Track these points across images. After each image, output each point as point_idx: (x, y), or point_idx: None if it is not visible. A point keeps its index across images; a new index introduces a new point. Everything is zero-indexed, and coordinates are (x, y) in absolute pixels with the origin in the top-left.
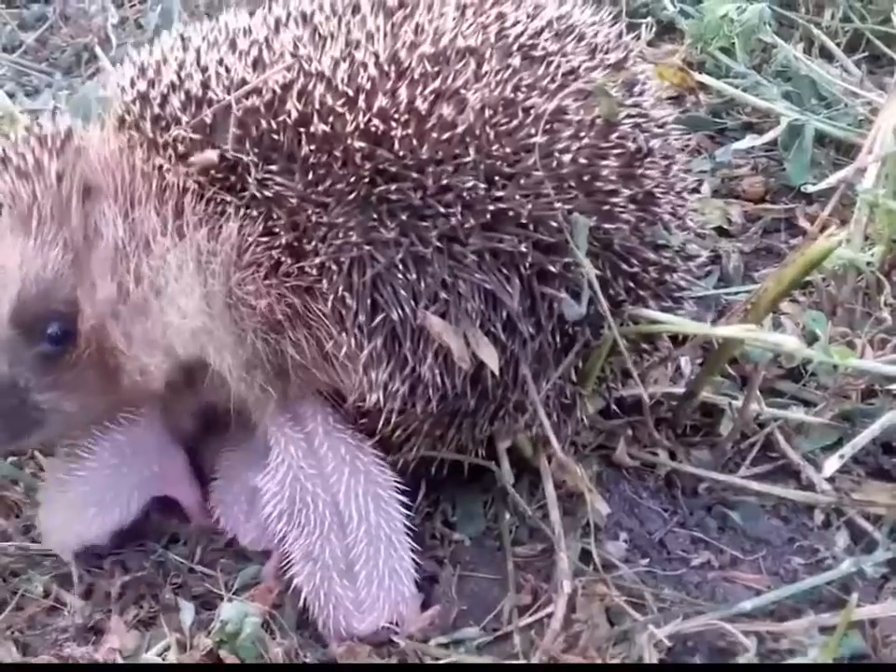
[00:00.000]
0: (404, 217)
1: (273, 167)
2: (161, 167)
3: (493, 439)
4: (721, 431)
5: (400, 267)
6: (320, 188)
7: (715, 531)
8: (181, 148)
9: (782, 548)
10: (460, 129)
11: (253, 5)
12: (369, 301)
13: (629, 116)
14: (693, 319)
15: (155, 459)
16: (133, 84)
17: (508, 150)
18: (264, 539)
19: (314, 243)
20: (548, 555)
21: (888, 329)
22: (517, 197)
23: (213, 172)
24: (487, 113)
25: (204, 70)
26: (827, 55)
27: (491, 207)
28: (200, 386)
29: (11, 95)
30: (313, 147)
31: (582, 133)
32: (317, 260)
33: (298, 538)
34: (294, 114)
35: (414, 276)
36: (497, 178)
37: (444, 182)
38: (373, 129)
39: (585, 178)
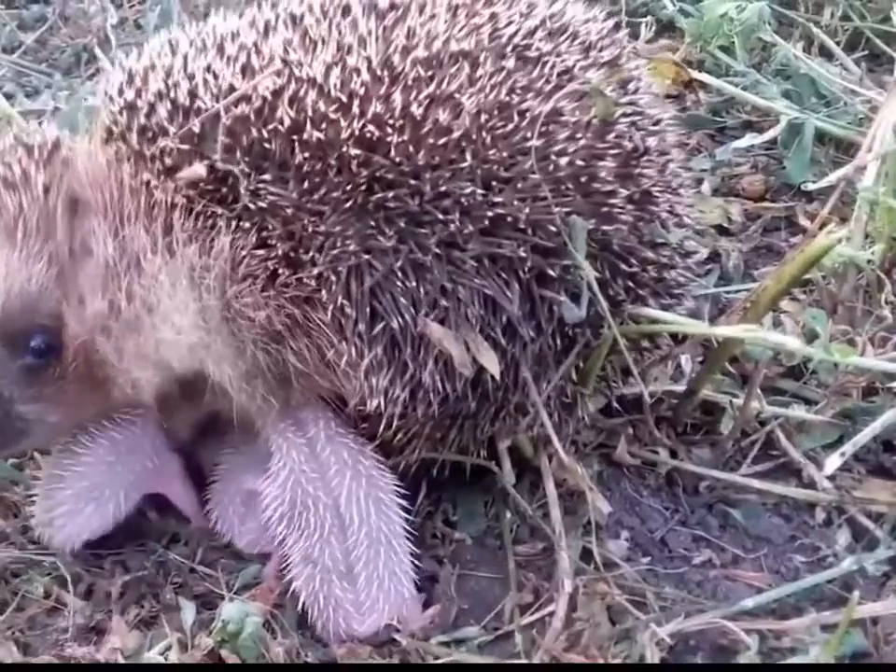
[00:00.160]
0: (402, 224)
1: (266, 177)
2: (148, 183)
3: (494, 438)
4: (722, 429)
5: (399, 274)
6: (315, 196)
7: (716, 529)
8: (168, 161)
9: (783, 546)
10: (456, 134)
11: (249, 5)
12: (368, 310)
13: (625, 115)
14: (692, 315)
15: (149, 457)
16: (121, 93)
17: (504, 154)
18: (260, 541)
19: (311, 252)
20: (549, 554)
21: (888, 327)
22: (515, 201)
23: (202, 184)
24: (483, 117)
25: (192, 77)
26: (827, 54)
27: (489, 212)
28: (200, 397)
29: (11, 96)
30: (306, 155)
31: (579, 135)
32: (315, 270)
33: (298, 541)
34: (286, 121)
35: (413, 283)
36: (494, 183)
37: (441, 188)
38: (368, 135)
39: (582, 180)
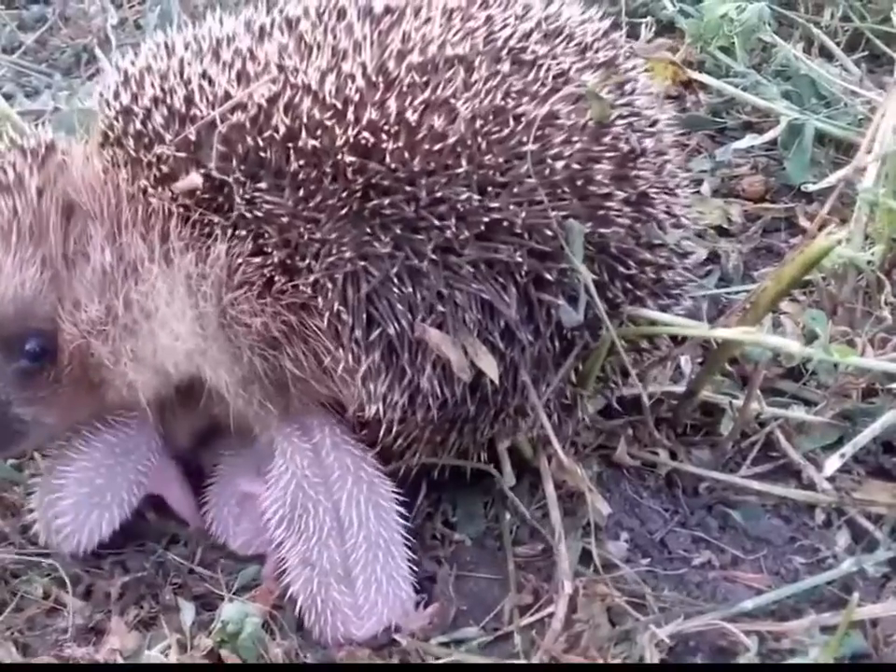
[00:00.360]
0: (398, 231)
1: (262, 185)
2: (145, 190)
3: (494, 440)
4: (722, 430)
5: (396, 281)
6: (311, 203)
7: (716, 531)
8: (165, 168)
9: (783, 547)
10: (451, 139)
11: (247, 6)
12: (365, 316)
13: (621, 116)
14: (691, 316)
15: (146, 458)
16: (116, 96)
17: (500, 159)
18: (254, 543)
19: (307, 260)
20: (549, 555)
21: (888, 328)
22: (511, 206)
23: (198, 193)
24: (478, 122)
25: (188, 83)
26: (827, 54)
27: (485, 217)
28: (197, 402)
29: (10, 96)
30: (302, 163)
31: (575, 138)
32: (311, 277)
33: (296, 544)
34: (281, 129)
35: (410, 289)
36: (490, 188)
37: (437, 194)
38: (363, 142)
39: (579, 183)
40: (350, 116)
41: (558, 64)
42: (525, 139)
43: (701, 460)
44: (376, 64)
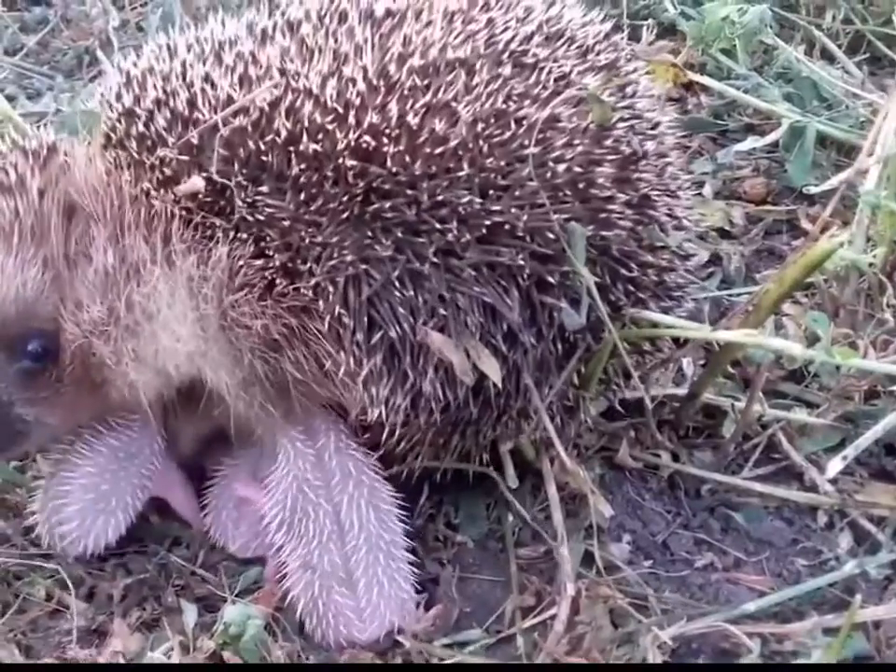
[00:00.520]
0: (399, 234)
1: (263, 188)
2: (148, 192)
3: (496, 441)
4: (724, 433)
5: (397, 284)
6: (312, 207)
7: (718, 533)
8: (167, 171)
9: (785, 549)
10: (453, 143)
11: (249, 8)
12: (366, 319)
13: (623, 119)
14: (693, 318)
15: (150, 461)
16: (119, 98)
17: (502, 162)
18: (252, 545)
19: (308, 263)
20: (551, 557)
21: (890, 331)
22: (512, 209)
23: (200, 196)
24: (479, 126)
25: (190, 86)
26: (828, 57)
27: (487, 220)
28: (198, 404)
29: (13, 98)
30: (303, 167)
31: (576, 141)
32: (313, 281)
33: (296, 548)
34: (283, 133)
35: (412, 293)
36: (491, 191)
37: (439, 197)
38: (364, 146)
39: (580, 186)
40: (351, 119)
41: (559, 67)
42: (526, 142)
43: (703, 462)
44: (377, 68)
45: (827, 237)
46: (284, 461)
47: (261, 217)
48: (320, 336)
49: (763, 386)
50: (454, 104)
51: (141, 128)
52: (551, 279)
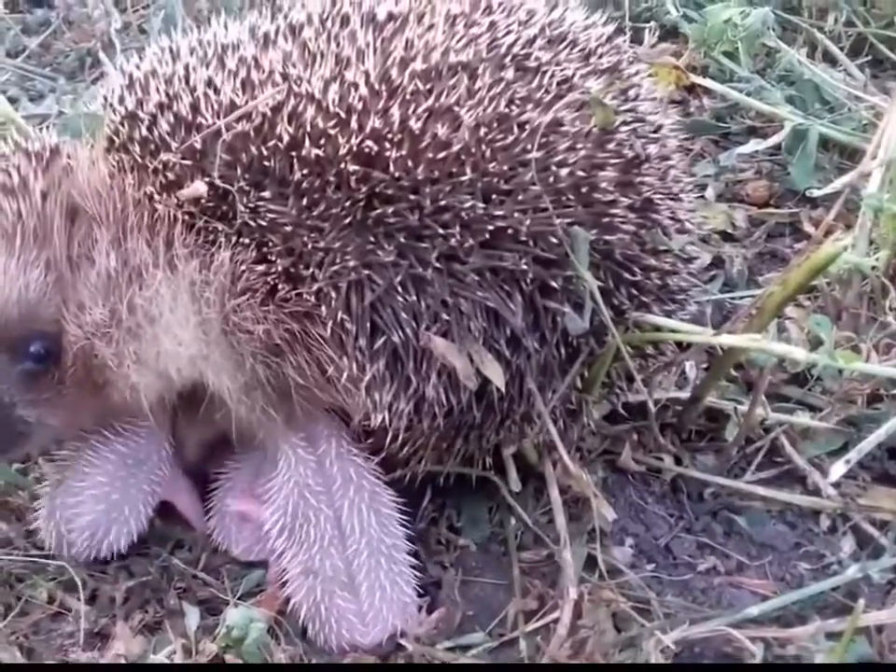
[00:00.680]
0: (402, 239)
1: (265, 193)
2: (151, 196)
3: (499, 445)
4: (727, 436)
5: (400, 289)
6: (314, 212)
7: (721, 536)
8: (170, 175)
9: (788, 553)
10: (455, 147)
11: (251, 11)
12: (369, 325)
13: (625, 122)
14: (696, 321)
15: (158, 466)
16: (121, 101)
17: (504, 167)
18: (255, 549)
19: (310, 268)
20: (554, 561)
21: (893, 334)
22: (515, 213)
23: (203, 201)
24: (482, 130)
25: (193, 90)
26: (830, 59)
27: (489, 225)
28: (199, 408)
29: (15, 100)
30: (305, 172)
31: (579, 145)
32: (315, 286)
33: (298, 553)
34: (285, 138)
35: (414, 298)
36: (494, 196)
37: (441, 202)
38: (367, 150)
39: (583, 190)
40: (354, 124)
41: (562, 71)
42: (529, 146)
43: (706, 466)
44: (379, 72)
45: (832, 241)
46: (285, 467)
47: (264, 223)
48: (322, 341)
49: (766, 390)
50: (456, 108)
51: (144, 132)
52: (554, 283)
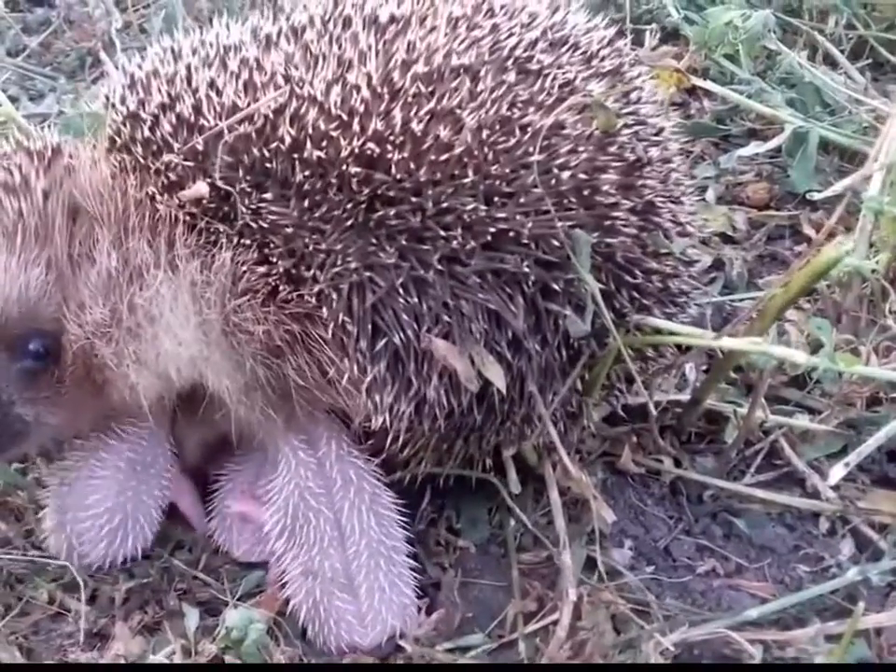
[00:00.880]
0: (403, 241)
1: (267, 195)
2: (153, 197)
3: (499, 447)
4: (726, 438)
5: (401, 291)
6: (316, 214)
7: (720, 539)
8: (172, 176)
9: (787, 556)
10: (457, 150)
11: (252, 12)
12: (370, 326)
13: (627, 125)
14: (696, 324)
15: (165, 468)
16: (123, 100)
17: (506, 169)
18: (257, 550)
19: (312, 270)
20: (553, 562)
21: (892, 337)
22: (517, 216)
23: (205, 202)
24: (484, 133)
25: (195, 92)
26: (831, 62)
27: (491, 227)
28: (199, 408)
29: (15, 100)
30: (307, 174)
31: (581, 147)
32: (316, 288)
33: (297, 555)
34: (287, 140)
35: (416, 300)
36: (496, 198)
37: (443, 204)
38: (369, 153)
39: (585, 193)
40: (355, 126)
41: (564, 74)
42: (531, 149)
43: (705, 468)
44: (381, 75)
45: (834, 244)
46: (285, 469)
47: (265, 224)
48: (323, 343)
49: (766, 392)
50: (458, 110)
51: (146, 132)
52: (555, 286)
